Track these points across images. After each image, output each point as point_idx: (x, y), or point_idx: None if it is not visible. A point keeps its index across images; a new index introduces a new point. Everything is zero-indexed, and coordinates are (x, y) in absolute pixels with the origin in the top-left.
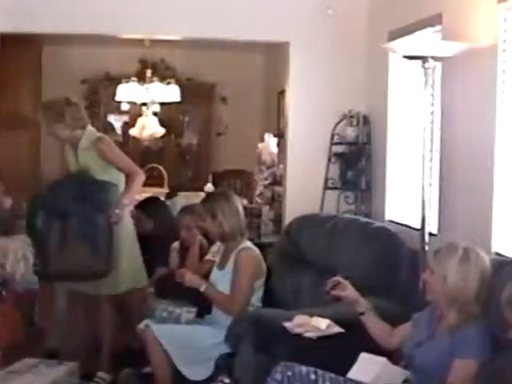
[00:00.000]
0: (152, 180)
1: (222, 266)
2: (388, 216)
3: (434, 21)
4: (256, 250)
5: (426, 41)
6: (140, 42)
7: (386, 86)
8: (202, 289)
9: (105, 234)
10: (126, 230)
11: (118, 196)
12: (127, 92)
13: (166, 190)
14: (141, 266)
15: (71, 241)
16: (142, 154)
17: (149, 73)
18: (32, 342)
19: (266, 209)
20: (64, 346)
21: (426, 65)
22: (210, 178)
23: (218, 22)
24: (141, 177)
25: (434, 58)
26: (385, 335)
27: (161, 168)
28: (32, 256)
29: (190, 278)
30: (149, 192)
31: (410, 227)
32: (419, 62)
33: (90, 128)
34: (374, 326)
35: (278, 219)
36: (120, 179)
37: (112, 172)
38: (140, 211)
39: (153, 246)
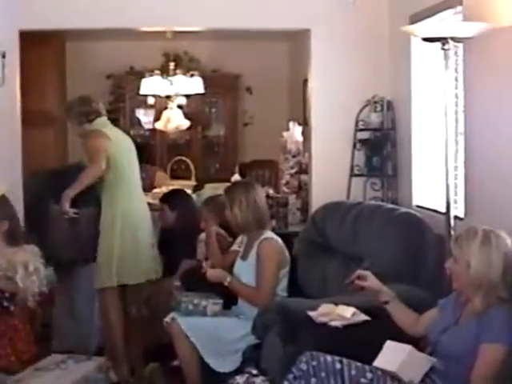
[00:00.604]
0: (179, 172)
1: (245, 257)
2: (415, 201)
3: (454, 2)
4: (278, 239)
5: (444, 22)
6: (163, 34)
7: (409, 70)
8: (226, 282)
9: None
10: (111, 222)
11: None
12: (151, 86)
13: (193, 182)
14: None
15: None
16: (169, 147)
17: (172, 65)
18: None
19: (292, 198)
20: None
21: (446, 46)
22: (237, 169)
23: (239, 11)
24: (91, 171)
25: (454, 40)
26: (411, 323)
27: (188, 161)
28: (43, 268)
29: (212, 273)
30: (176, 185)
31: (438, 212)
32: (439, 44)
33: (95, 122)
34: (400, 314)
35: (304, 208)
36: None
37: None
38: (164, 204)
39: (179, 239)
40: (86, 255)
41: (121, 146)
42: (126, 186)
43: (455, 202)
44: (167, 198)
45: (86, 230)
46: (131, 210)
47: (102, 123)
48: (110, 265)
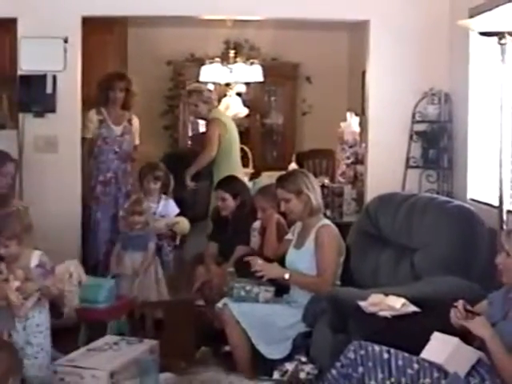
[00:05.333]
0: None
1: (299, 245)
2: (470, 194)
3: None
4: (335, 227)
5: (501, 17)
6: (224, 22)
7: (467, 63)
8: (287, 277)
9: None
10: None
11: None
12: (210, 73)
13: (250, 170)
14: None
15: None
16: None
17: (232, 53)
18: None
19: (348, 188)
20: None
21: (503, 41)
22: (294, 157)
23: (300, 2)
24: (206, 156)
25: (511, 34)
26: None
27: (246, 148)
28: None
29: (269, 272)
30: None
31: (492, 206)
32: (496, 38)
33: (215, 110)
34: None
35: (360, 198)
36: None
37: None
38: (223, 191)
39: (233, 226)
40: (202, 214)
41: (232, 132)
42: (232, 164)
43: (510, 196)
44: (227, 185)
45: (201, 197)
46: None
47: (220, 112)
48: None
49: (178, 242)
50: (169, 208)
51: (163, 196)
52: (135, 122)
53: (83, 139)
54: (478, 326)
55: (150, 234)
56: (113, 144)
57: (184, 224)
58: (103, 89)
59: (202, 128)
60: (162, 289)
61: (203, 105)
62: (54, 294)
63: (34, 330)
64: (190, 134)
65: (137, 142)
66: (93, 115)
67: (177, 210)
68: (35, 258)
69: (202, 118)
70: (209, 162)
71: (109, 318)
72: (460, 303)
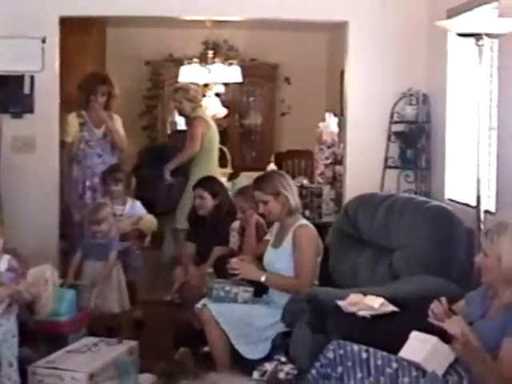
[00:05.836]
0: None
1: (277, 245)
2: (448, 194)
3: None
4: (313, 227)
5: (479, 18)
6: (203, 22)
7: (445, 64)
8: (263, 279)
9: None
10: None
11: None
12: (189, 73)
13: (229, 170)
14: None
15: None
16: None
17: (210, 54)
18: None
19: (327, 188)
20: None
21: (480, 42)
22: (273, 158)
23: (278, 2)
24: (188, 152)
25: (489, 36)
26: None
27: (224, 148)
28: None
29: (245, 273)
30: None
31: (469, 206)
32: (473, 39)
33: (199, 109)
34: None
35: (338, 199)
36: None
37: None
38: (202, 190)
39: (210, 226)
40: (174, 207)
41: (213, 132)
42: (211, 163)
43: (488, 196)
44: (206, 184)
45: (176, 192)
46: None
47: (203, 111)
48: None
49: (146, 243)
50: (136, 209)
51: (129, 198)
52: (116, 118)
53: (62, 143)
54: (454, 326)
55: (111, 242)
56: (96, 147)
57: (150, 220)
58: (84, 92)
59: (180, 127)
60: (123, 299)
61: (187, 103)
62: (26, 298)
63: (0, 338)
64: (169, 132)
65: (122, 133)
66: (73, 119)
67: (144, 211)
68: (4, 262)
69: (185, 116)
70: (189, 158)
71: (70, 330)
72: (443, 298)
